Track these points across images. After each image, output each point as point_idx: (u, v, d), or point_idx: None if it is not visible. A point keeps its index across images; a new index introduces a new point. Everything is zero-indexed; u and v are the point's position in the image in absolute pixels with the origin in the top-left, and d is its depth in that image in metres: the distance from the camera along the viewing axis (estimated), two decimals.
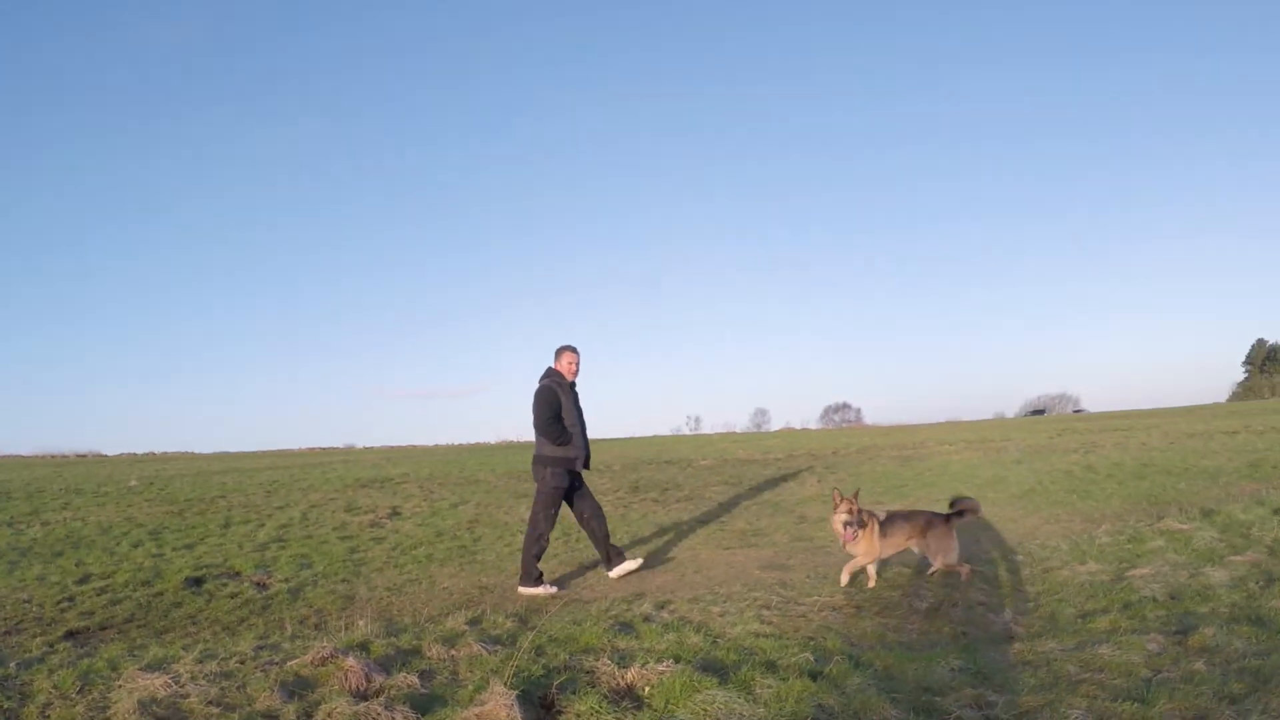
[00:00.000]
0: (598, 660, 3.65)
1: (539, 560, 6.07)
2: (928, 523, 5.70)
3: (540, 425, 6.08)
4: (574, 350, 6.26)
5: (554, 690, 3.26)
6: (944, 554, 5.57)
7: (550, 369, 6.26)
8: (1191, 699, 3.11)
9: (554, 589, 5.98)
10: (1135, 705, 3.10)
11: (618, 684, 3.41)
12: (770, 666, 3.58)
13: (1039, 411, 69.08)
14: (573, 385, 6.30)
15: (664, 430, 50.56)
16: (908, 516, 5.76)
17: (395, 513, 9.82)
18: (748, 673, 3.42)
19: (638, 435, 36.55)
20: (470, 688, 3.31)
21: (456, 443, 33.34)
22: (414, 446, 30.77)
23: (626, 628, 4.40)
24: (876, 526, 5.45)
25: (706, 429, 55.86)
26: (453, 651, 3.86)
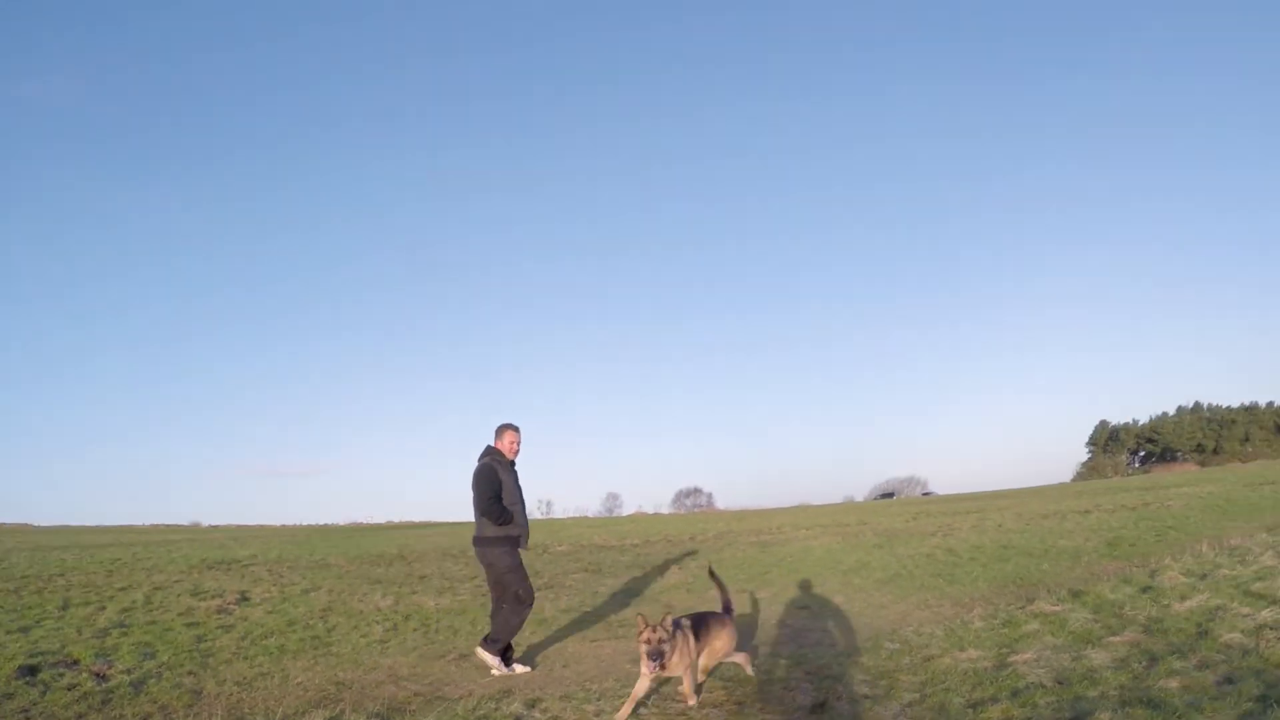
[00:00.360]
0: None
1: (514, 633, 7.44)
2: (717, 621, 6.48)
3: (481, 506, 7.41)
4: (515, 429, 7.68)
5: None
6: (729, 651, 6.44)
7: (490, 447, 7.62)
8: None
9: (512, 670, 7.38)
10: None
11: None
12: None
13: (889, 494, 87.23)
14: (512, 464, 7.68)
15: None
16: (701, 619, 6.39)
17: (244, 598, 11.27)
18: None
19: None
20: None
21: (304, 523, 42.33)
22: (262, 526, 37.61)
23: None
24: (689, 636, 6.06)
25: (558, 513, 68.95)
26: None
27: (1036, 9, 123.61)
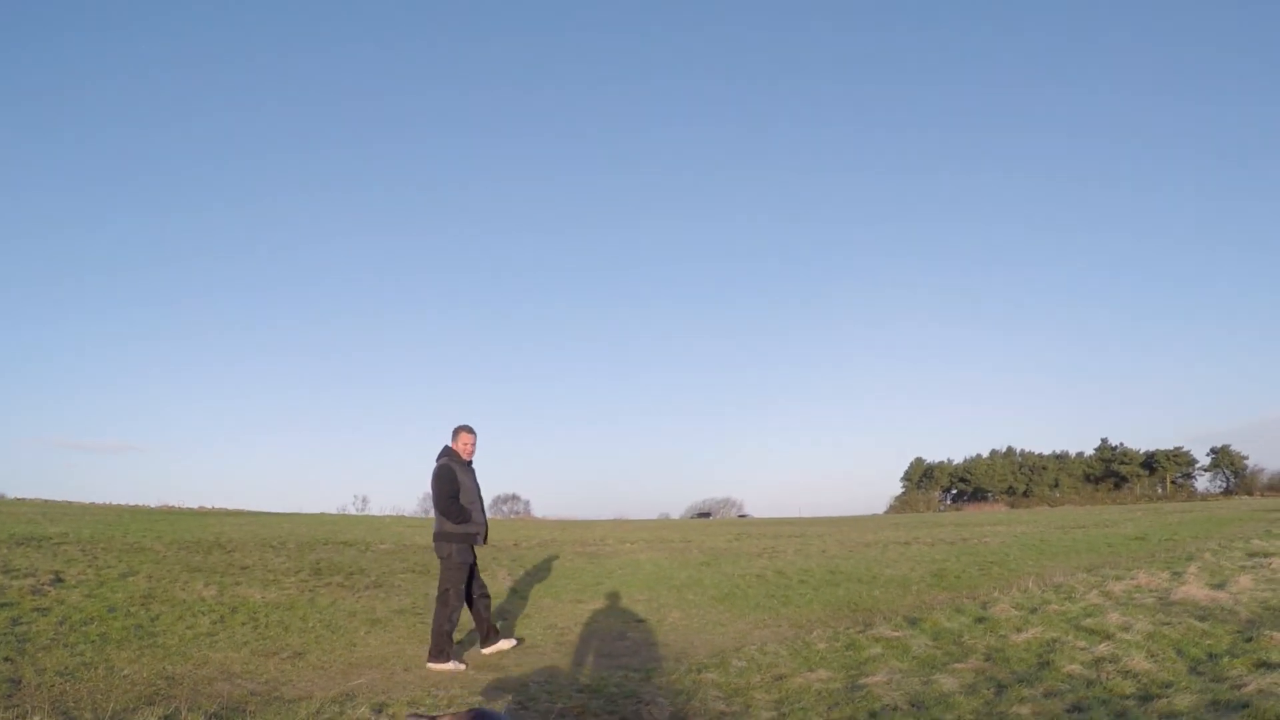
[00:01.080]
0: None
1: (450, 636, 8.01)
2: None
3: (440, 505, 8.31)
4: (470, 430, 8.53)
5: None
6: None
7: (447, 448, 8.48)
8: None
9: (463, 665, 7.98)
10: None
11: None
12: None
13: (705, 514, 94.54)
14: (469, 463, 8.54)
15: (330, 509, 64.81)
16: None
17: (58, 579, 11.14)
18: None
19: (303, 512, 47.03)
20: None
21: (114, 502, 44.13)
22: (69, 502, 38.99)
23: None
24: None
25: (375, 510, 72.69)
26: None
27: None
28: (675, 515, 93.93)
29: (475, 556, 8.62)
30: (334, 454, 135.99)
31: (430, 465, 8.75)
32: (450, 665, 7.94)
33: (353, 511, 69.88)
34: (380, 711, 5.99)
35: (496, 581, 13.69)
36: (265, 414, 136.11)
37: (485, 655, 8.31)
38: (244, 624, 9.44)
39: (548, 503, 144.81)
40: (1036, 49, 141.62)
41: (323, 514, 47.69)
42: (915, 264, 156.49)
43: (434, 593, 11.55)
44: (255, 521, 30.59)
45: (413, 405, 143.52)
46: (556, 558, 18.05)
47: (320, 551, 17.34)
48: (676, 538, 26.59)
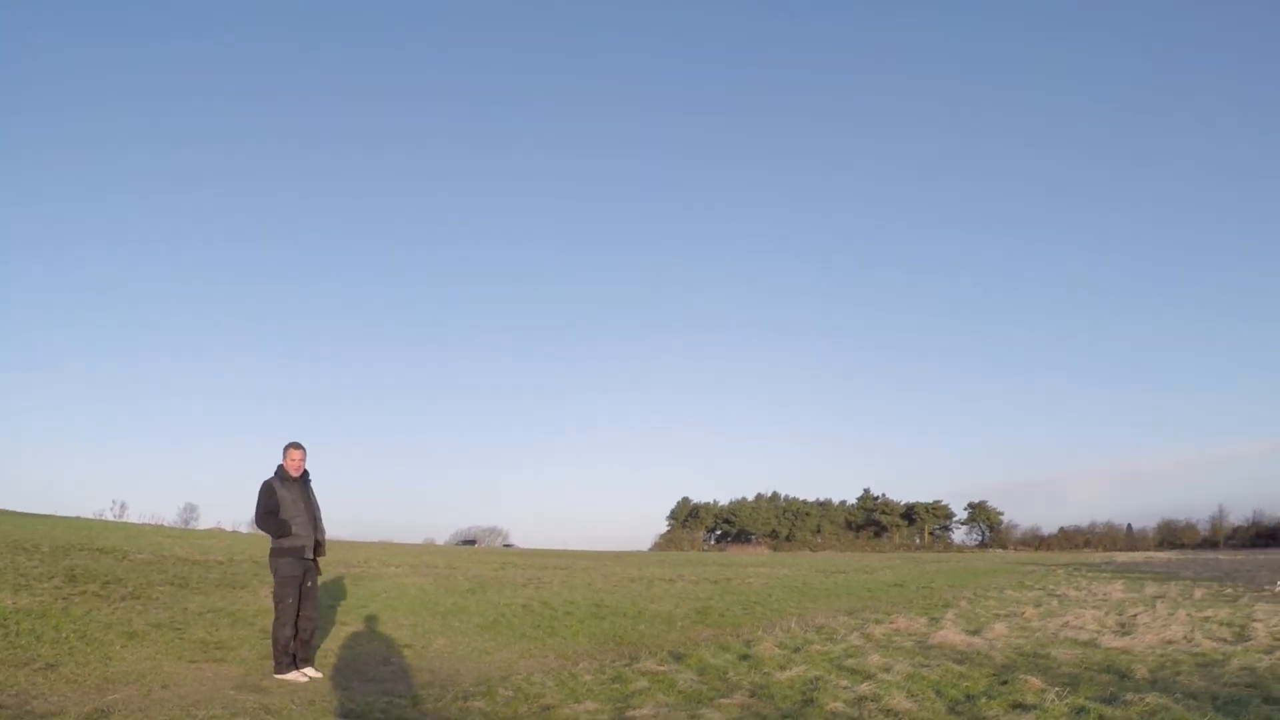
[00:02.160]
0: None
1: (286, 648, 8.47)
2: None
3: (256, 520, 8.89)
4: (297, 446, 9.03)
5: None
6: None
7: (278, 465, 8.95)
8: None
9: (315, 674, 8.51)
10: None
11: None
12: None
13: (470, 541, 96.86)
14: (303, 478, 9.06)
15: (86, 513, 63.85)
16: None
17: None
18: None
19: (58, 514, 46.93)
20: None
21: None
22: None
23: None
24: None
25: (133, 517, 73.86)
26: None
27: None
28: (440, 541, 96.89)
29: (310, 571, 8.93)
30: (92, 456, 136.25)
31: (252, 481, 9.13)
32: (291, 675, 8.33)
33: (110, 518, 69.03)
34: None
35: (257, 600, 13.37)
36: (18, 407, 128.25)
37: (276, 679, 8.32)
38: None
39: None
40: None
41: (78, 518, 47.03)
42: (694, 305, 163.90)
43: (194, 607, 12.00)
44: (6, 521, 29.59)
45: (178, 412, 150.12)
46: (320, 577, 17.98)
47: (75, 557, 16.96)
48: (442, 564, 26.72)
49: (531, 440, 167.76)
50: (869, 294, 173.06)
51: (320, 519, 9.11)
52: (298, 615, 8.66)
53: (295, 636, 8.60)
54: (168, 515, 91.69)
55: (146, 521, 62.91)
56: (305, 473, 9.09)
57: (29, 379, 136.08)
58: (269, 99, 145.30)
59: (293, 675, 8.32)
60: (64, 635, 9.19)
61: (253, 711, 6.78)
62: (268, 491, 8.77)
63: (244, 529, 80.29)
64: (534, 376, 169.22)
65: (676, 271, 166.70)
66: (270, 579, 13.30)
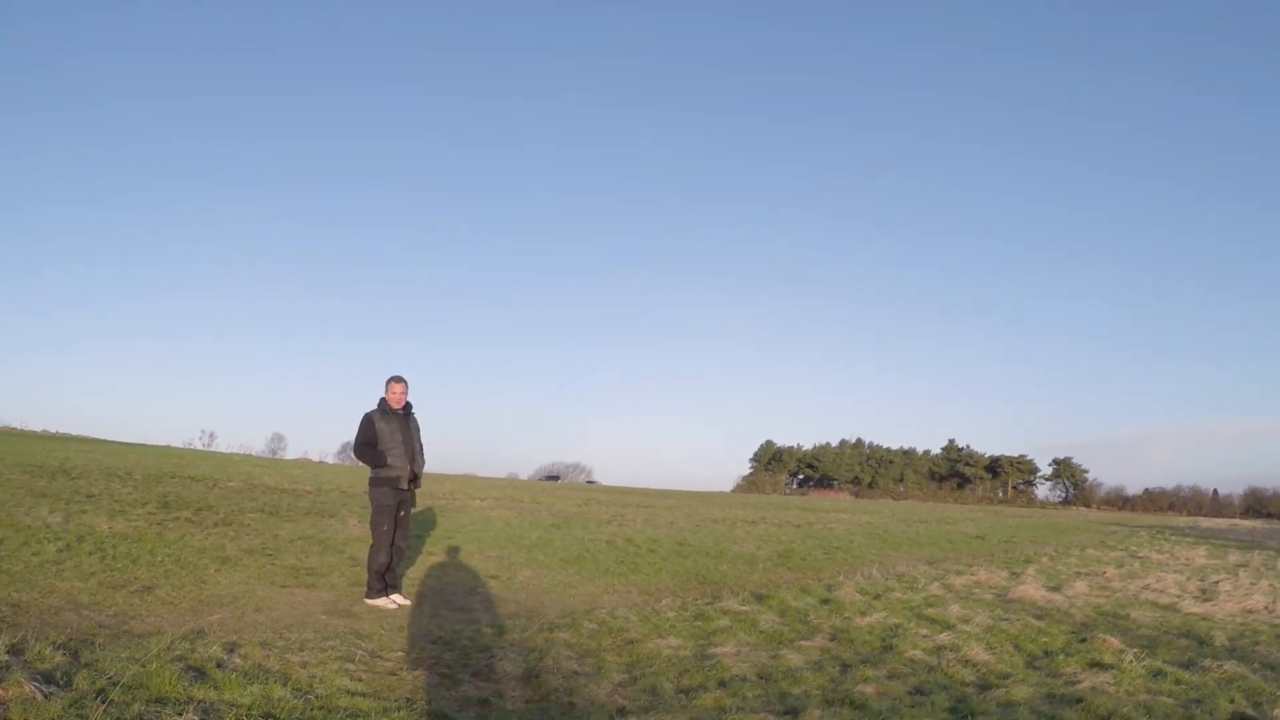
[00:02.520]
0: (181, 716, 4.20)
1: (380, 575, 8.82)
2: None
3: (354, 451, 9.24)
4: (399, 380, 9.26)
5: None
6: None
7: (381, 398, 9.22)
8: None
9: (404, 601, 8.84)
10: None
11: None
12: None
13: (554, 477, 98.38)
14: (405, 410, 9.29)
15: (175, 442, 67.08)
16: None
17: None
18: None
19: (149, 444, 48.90)
20: None
21: None
22: None
23: (198, 673, 5.20)
24: None
25: (221, 447, 75.09)
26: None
27: None
28: (523, 476, 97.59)
29: (405, 501, 9.21)
30: (182, 388, 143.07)
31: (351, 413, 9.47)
32: (382, 601, 8.68)
33: (199, 447, 70.83)
34: (232, 651, 5.96)
35: (346, 528, 13.86)
36: (113, 341, 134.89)
37: (366, 604, 8.67)
38: (91, 554, 9.38)
39: None
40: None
41: (169, 447, 48.51)
42: (777, 251, 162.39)
43: (285, 534, 12.52)
44: (100, 450, 30.36)
45: (265, 346, 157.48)
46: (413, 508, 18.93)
47: (168, 485, 17.46)
48: (526, 498, 27.26)
49: (618, 379, 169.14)
50: (960, 242, 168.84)
51: (420, 452, 9.35)
52: (391, 543, 8.99)
53: (388, 564, 8.93)
54: (256, 445, 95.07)
55: (235, 451, 64.66)
56: (408, 405, 9.33)
57: (122, 310, 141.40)
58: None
59: (382, 601, 8.66)
60: (159, 559, 9.58)
61: (344, 635, 7.03)
62: (366, 423, 9.08)
63: (330, 459, 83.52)
64: (622, 316, 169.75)
65: (766, 214, 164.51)
66: (365, 508, 14.00)
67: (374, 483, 9.06)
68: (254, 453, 69.57)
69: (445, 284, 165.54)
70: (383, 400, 9.23)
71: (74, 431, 52.72)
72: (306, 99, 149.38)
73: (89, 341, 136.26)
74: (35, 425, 52.70)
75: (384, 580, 8.87)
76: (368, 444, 9.03)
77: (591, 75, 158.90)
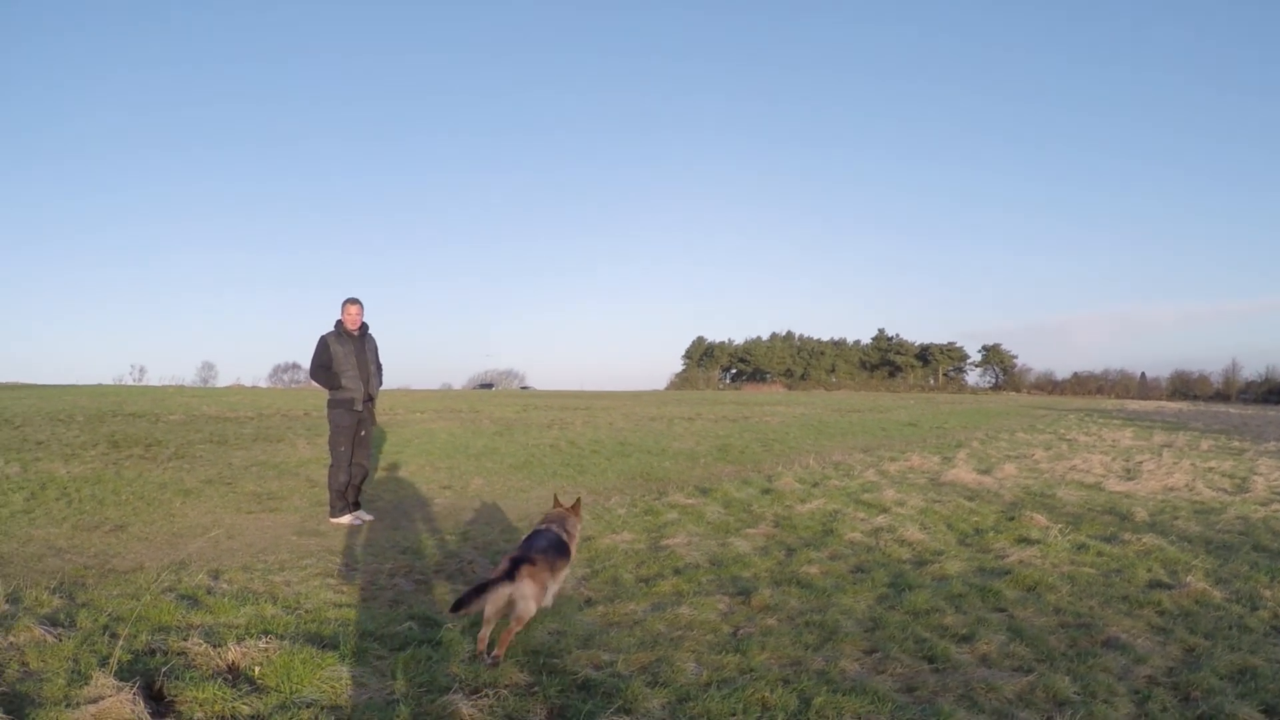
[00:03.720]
0: (186, 640, 4.44)
1: (341, 493, 9.07)
2: None
3: (311, 373, 9.35)
4: (354, 302, 9.34)
5: (161, 677, 3.91)
6: None
7: (337, 320, 9.32)
8: (781, 649, 4.69)
9: (367, 517, 9.16)
10: (737, 656, 4.58)
11: (218, 665, 4.15)
12: (377, 638, 4.72)
13: (487, 385, 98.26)
14: (361, 332, 9.38)
15: (106, 379, 65.44)
16: None
17: None
18: (359, 644, 4.53)
19: (79, 384, 48.83)
20: (61, 681, 3.91)
21: None
22: None
23: (191, 601, 5.47)
24: None
25: (153, 380, 74.31)
26: (10, 638, 4.48)
27: None
28: (457, 385, 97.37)
29: (364, 421, 9.37)
30: (102, 322, 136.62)
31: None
32: (347, 518, 8.98)
33: (130, 382, 69.82)
34: (217, 577, 6.24)
35: (296, 451, 14.10)
36: (23, 281, 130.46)
37: (331, 523, 8.97)
38: (57, 499, 9.51)
39: None
40: None
41: (101, 385, 48.27)
42: (702, 152, 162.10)
43: (238, 463, 12.80)
44: (34, 394, 30.39)
45: (182, 270, 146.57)
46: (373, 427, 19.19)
47: (111, 424, 17.69)
48: (465, 408, 27.75)
49: (543, 280, 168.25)
50: (884, 129, 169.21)
51: (378, 373, 9.54)
52: (350, 462, 9.18)
53: (349, 482, 9.14)
54: (187, 375, 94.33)
55: (168, 383, 63.66)
56: (364, 326, 9.44)
57: (28, 249, 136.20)
58: None
59: (347, 519, 8.93)
60: (124, 498, 9.74)
61: (317, 553, 7.34)
62: (322, 346, 9.21)
63: (264, 383, 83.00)
64: (540, 213, 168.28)
65: (689, 102, 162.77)
66: (309, 430, 14.04)
67: (330, 404, 9.25)
68: (186, 383, 68.24)
69: (363, 189, 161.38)
70: (338, 323, 9.34)
71: (2, 379, 51.14)
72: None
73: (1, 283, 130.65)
74: None
75: (345, 499, 9.09)
76: (323, 366, 9.19)
77: None
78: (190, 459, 12.98)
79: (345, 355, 9.20)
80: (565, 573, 5.31)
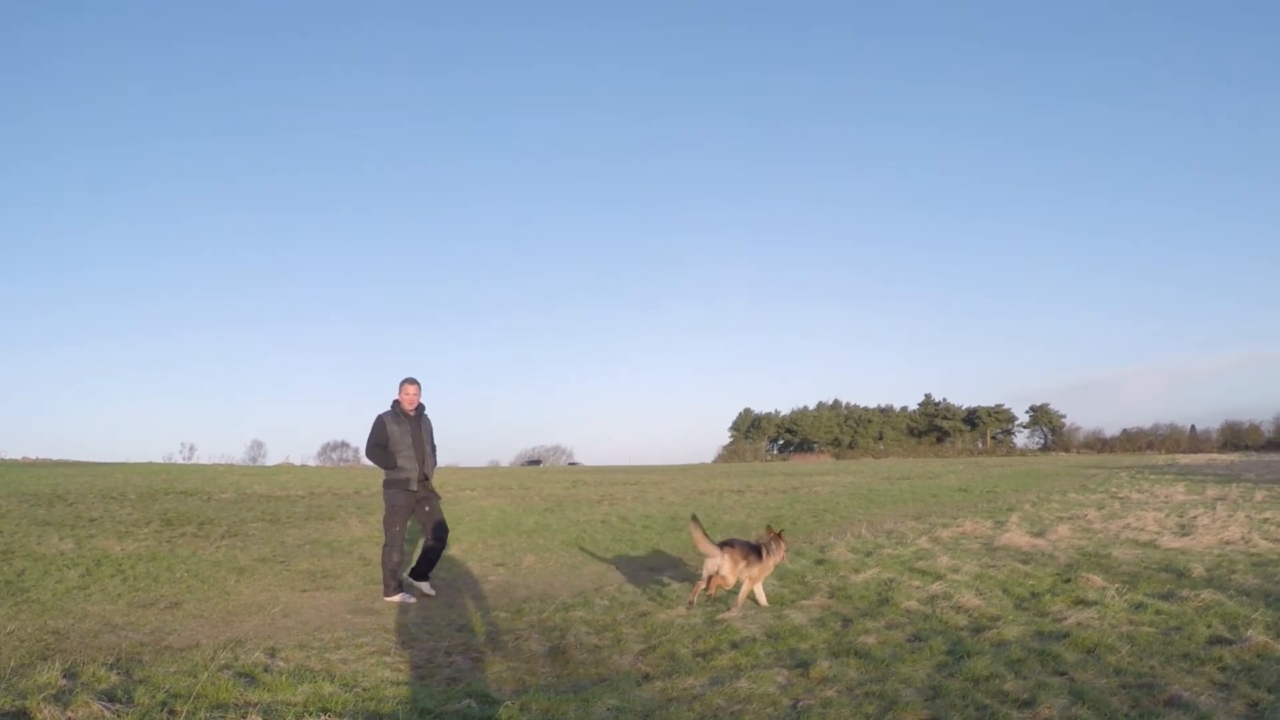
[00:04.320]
0: (245, 718, 4.55)
1: (394, 572, 9.20)
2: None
3: (367, 453, 9.53)
4: (412, 382, 9.58)
5: None
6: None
7: (394, 400, 9.52)
8: None
9: (428, 592, 9.34)
10: None
11: None
12: (435, 715, 4.82)
13: (535, 462, 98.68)
14: (417, 412, 9.59)
15: (156, 458, 68.58)
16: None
17: None
18: None
19: (131, 461, 49.08)
20: None
21: None
22: None
23: (248, 678, 5.54)
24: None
25: (203, 458, 75.57)
26: (69, 713, 4.56)
27: None
28: (505, 463, 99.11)
29: (426, 499, 9.51)
30: (155, 401, 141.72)
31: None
32: (399, 598, 9.04)
33: (180, 460, 71.50)
34: (274, 655, 6.32)
35: (349, 530, 14.28)
36: (79, 359, 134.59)
37: (385, 601, 9.13)
38: (112, 576, 9.66)
39: None
40: None
41: (152, 463, 48.82)
42: (740, 223, 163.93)
43: (291, 541, 12.98)
44: (87, 472, 30.53)
45: (236, 353, 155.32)
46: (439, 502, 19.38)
47: (164, 501, 17.90)
48: (514, 485, 27.88)
49: (589, 356, 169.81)
50: (918, 197, 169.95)
51: (433, 453, 9.68)
52: (403, 541, 9.40)
53: (401, 561, 9.30)
54: (236, 454, 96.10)
55: (217, 461, 65.27)
56: (420, 407, 9.62)
57: (85, 327, 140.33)
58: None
59: (399, 597, 9.03)
60: (178, 575, 9.91)
61: (373, 631, 7.45)
62: (379, 425, 9.37)
63: (312, 462, 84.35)
64: (586, 290, 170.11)
65: (726, 178, 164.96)
66: (361, 509, 14.16)
67: (386, 484, 9.40)
68: (236, 461, 70.30)
69: (411, 273, 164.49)
70: (395, 402, 9.52)
71: (54, 456, 52.91)
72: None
73: (54, 362, 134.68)
74: (14, 453, 53.15)
75: (398, 577, 9.23)
76: (379, 445, 9.34)
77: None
78: (243, 537, 13.18)
79: (401, 435, 9.34)
80: (756, 570, 8.19)
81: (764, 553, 8.29)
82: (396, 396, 9.56)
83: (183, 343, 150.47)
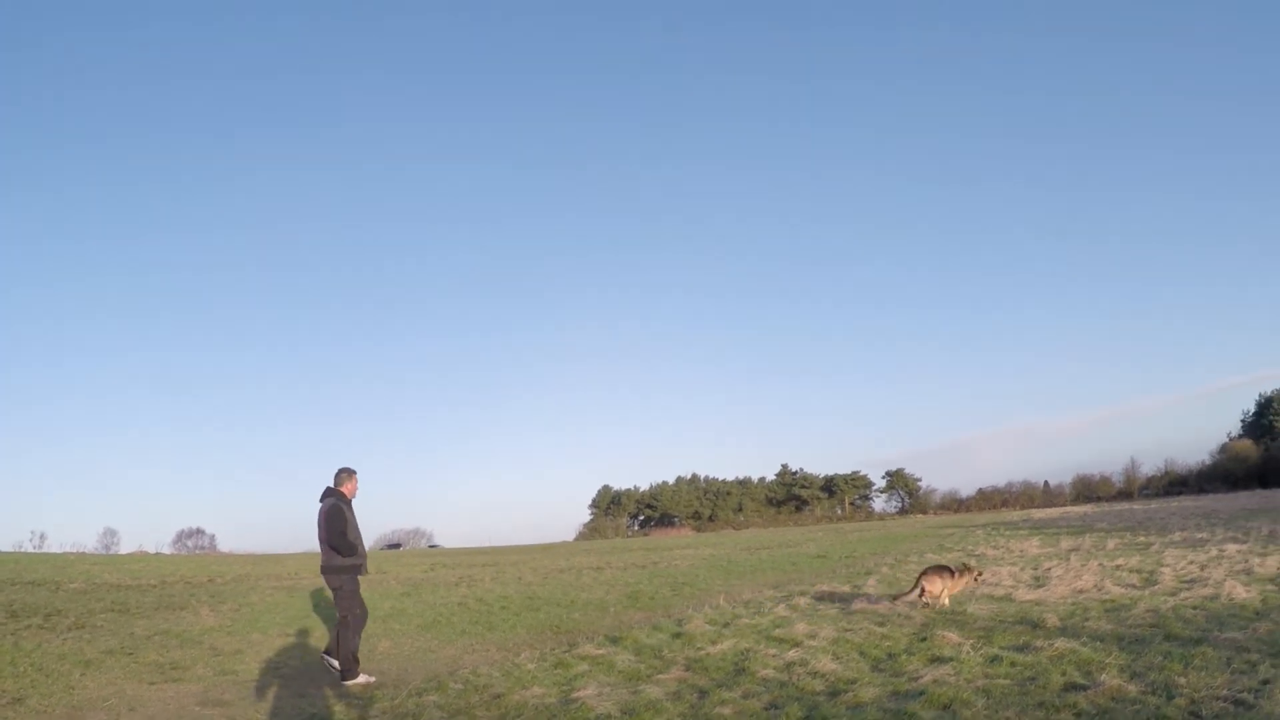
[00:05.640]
0: None
1: (356, 657, 9.38)
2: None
3: (333, 540, 9.67)
4: (355, 473, 10.12)
5: None
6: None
7: (332, 489, 9.92)
8: None
9: (372, 678, 9.33)
10: None
11: None
12: None
13: (395, 545, 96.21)
14: (350, 502, 9.99)
15: (4, 546, 62.19)
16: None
17: None
18: None
19: None
20: None
21: None
22: None
23: None
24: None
25: (53, 547, 70.86)
26: None
27: None
28: (365, 547, 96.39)
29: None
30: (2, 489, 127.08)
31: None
32: (362, 679, 9.22)
33: (30, 549, 67.51)
34: None
35: (200, 619, 13.87)
36: None
37: (347, 685, 9.19)
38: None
39: (233, 536, 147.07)
40: None
41: None
42: (595, 294, 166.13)
43: (141, 631, 12.62)
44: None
45: (88, 438, 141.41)
46: (254, 592, 18.37)
47: (9, 592, 17.35)
48: (371, 569, 26.81)
49: (445, 439, 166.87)
50: (770, 273, 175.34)
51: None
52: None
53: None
54: (88, 542, 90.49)
55: (69, 550, 61.50)
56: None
57: None
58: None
59: (364, 678, 9.22)
60: (21, 669, 9.51)
61: None
62: (339, 513, 9.71)
63: (166, 549, 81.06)
64: (443, 373, 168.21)
65: (584, 258, 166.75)
66: (213, 597, 13.44)
67: (341, 571, 9.72)
68: (88, 550, 66.28)
69: (261, 344, 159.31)
70: (339, 493, 9.91)
71: None
72: None
73: None
74: None
75: (358, 660, 9.41)
76: (343, 534, 9.65)
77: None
78: (91, 628, 12.56)
79: (354, 523, 9.85)
80: (953, 586, 12.17)
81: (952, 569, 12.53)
82: (336, 486, 9.98)
83: (28, 425, 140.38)
